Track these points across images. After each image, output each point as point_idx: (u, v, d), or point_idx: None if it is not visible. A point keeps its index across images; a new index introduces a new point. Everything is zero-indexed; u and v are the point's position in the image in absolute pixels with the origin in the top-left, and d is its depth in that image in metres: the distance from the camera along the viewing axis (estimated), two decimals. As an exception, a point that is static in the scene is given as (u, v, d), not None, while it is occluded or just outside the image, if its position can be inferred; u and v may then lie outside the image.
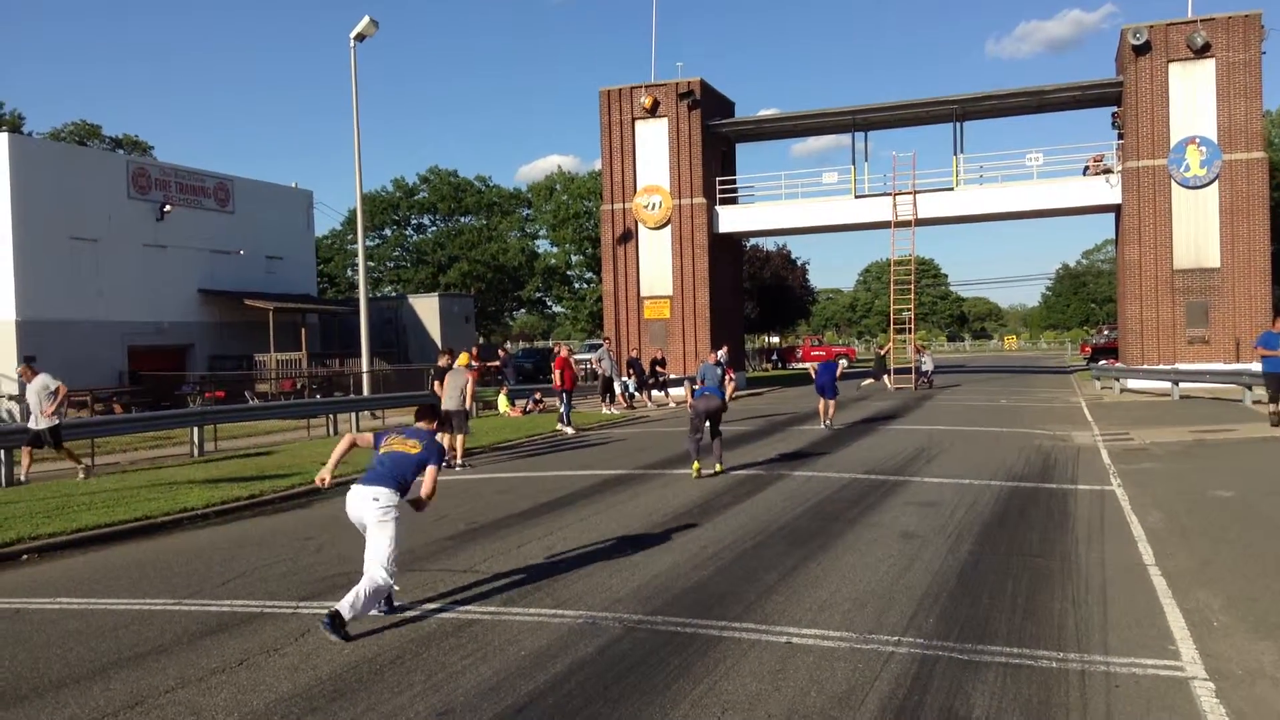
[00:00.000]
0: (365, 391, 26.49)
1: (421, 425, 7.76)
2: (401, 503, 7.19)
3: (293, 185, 42.31)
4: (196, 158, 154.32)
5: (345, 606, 6.70)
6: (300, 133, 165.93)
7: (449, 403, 15.98)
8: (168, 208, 34.17)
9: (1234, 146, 29.98)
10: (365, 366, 27.12)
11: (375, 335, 32.90)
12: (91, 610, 7.87)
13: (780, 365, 63.00)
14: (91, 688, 5.98)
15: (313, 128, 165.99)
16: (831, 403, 21.09)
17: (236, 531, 11.29)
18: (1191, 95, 30.45)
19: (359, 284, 27.73)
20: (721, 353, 30.67)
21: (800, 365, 62.13)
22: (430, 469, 7.32)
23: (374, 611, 7.11)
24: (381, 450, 7.39)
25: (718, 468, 14.20)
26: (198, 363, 34.56)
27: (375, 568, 6.91)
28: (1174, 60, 30.51)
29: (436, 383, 17.02)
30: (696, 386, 14.93)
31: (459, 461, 16.08)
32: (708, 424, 14.24)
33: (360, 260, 28.02)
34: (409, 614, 7.33)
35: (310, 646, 6.64)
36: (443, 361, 17.51)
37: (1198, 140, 30.22)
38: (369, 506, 7.07)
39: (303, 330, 36.30)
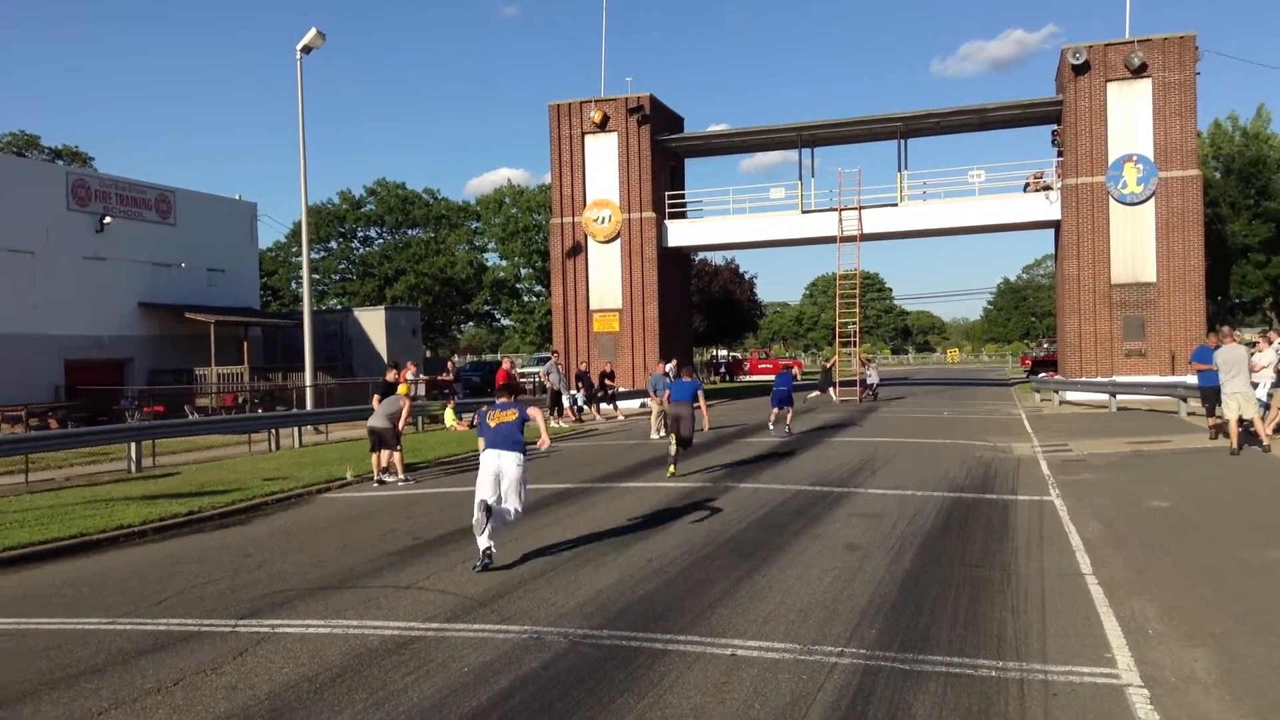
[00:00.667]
0: (309, 406, 26.15)
1: (504, 398, 9.86)
2: (524, 457, 9.40)
3: (236, 197, 41.76)
4: (138, 169, 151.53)
5: (488, 541, 9.08)
6: (245, 144, 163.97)
7: (376, 420, 15.84)
8: (107, 219, 33.51)
9: (1170, 164, 30.79)
10: (309, 380, 26.77)
11: (320, 349, 32.51)
12: (23, 630, 7.67)
13: (728, 378, 63.31)
14: (21, 710, 5.82)
15: (258, 139, 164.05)
16: (789, 410, 22.53)
17: (174, 549, 11.06)
18: (1129, 114, 31.25)
19: (303, 296, 27.40)
20: (670, 365, 30.86)
21: (748, 378, 62.53)
22: (533, 415, 9.67)
23: (474, 566, 9.08)
24: (492, 425, 9.45)
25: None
26: (137, 377, 33.86)
27: (514, 501, 9.28)
28: (1112, 80, 31.29)
29: (376, 396, 16.78)
30: (667, 394, 16.59)
31: (400, 476, 15.92)
32: (679, 427, 15.36)
33: (305, 272, 27.69)
34: (351, 630, 7.24)
35: (249, 666, 6.53)
36: (390, 376, 17.31)
37: (1135, 158, 30.99)
38: (506, 463, 9.25)
39: (245, 344, 35.74)
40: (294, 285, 64.33)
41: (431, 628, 7.28)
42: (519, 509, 9.37)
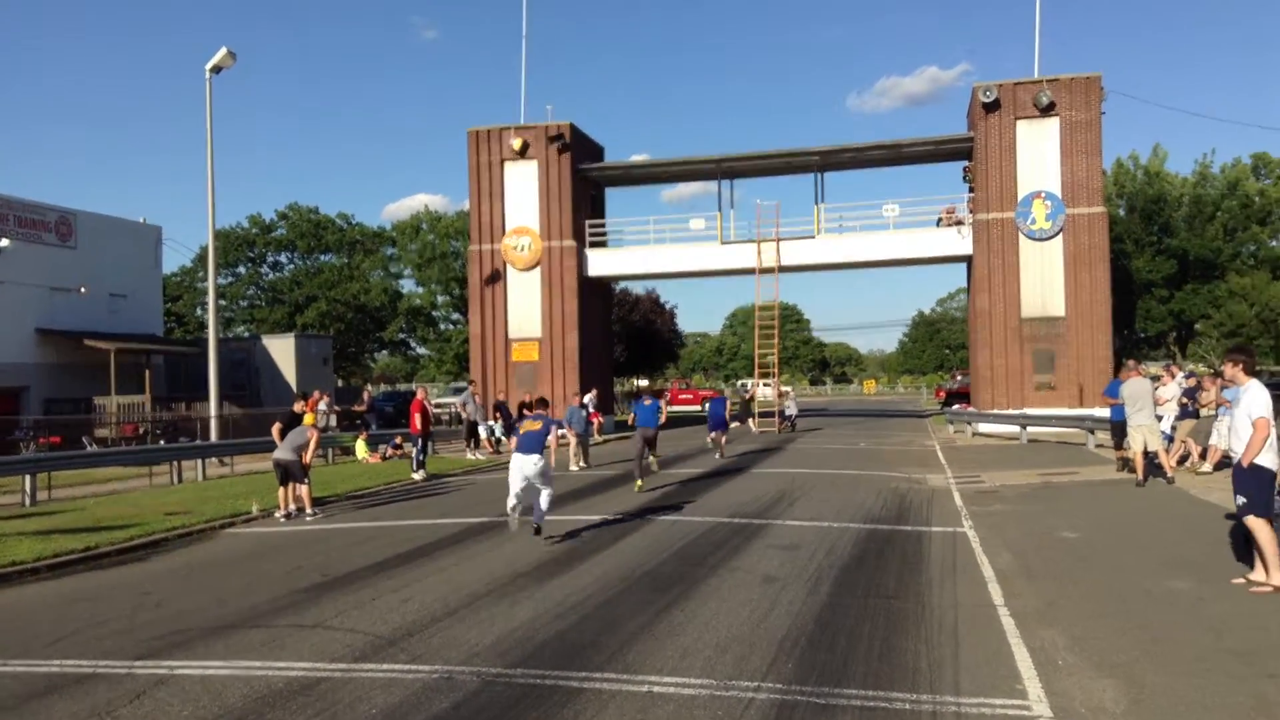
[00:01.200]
0: (213, 437, 25.35)
1: (537, 411, 12.72)
2: (545, 456, 12.13)
3: (140, 220, 40.56)
4: (37, 190, 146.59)
5: (541, 520, 12.13)
6: (153, 167, 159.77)
7: (282, 453, 15.37)
8: (4, 242, 32.16)
9: (1076, 201, 31.80)
10: (213, 410, 25.97)
11: (226, 377, 31.58)
12: (-109, 679, 7.18)
13: (649, 408, 63.23)
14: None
15: (167, 162, 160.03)
16: (724, 434, 24.63)
17: (70, 587, 10.54)
18: (1038, 151, 32.22)
19: (209, 323, 26.61)
20: (590, 396, 30.74)
21: (669, 409, 62.52)
22: (551, 430, 12.64)
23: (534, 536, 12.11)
24: (521, 432, 12.15)
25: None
26: (33, 406, 32.43)
27: (546, 495, 12.10)
28: (1021, 118, 32.27)
29: (277, 426, 16.21)
30: (632, 419, 19.14)
31: (309, 511, 15.47)
32: (647, 448, 18.16)
33: (210, 298, 26.93)
34: (254, 671, 6.93)
35: (146, 709, 6.21)
36: (298, 407, 16.82)
37: (1043, 194, 31.95)
38: (526, 463, 11.86)
39: (147, 372, 34.56)
40: (199, 312, 62.64)
41: (338, 668, 7.01)
42: (549, 491, 12.19)
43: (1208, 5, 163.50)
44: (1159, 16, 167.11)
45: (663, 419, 18.44)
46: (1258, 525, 8.48)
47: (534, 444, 11.96)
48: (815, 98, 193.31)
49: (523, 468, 11.88)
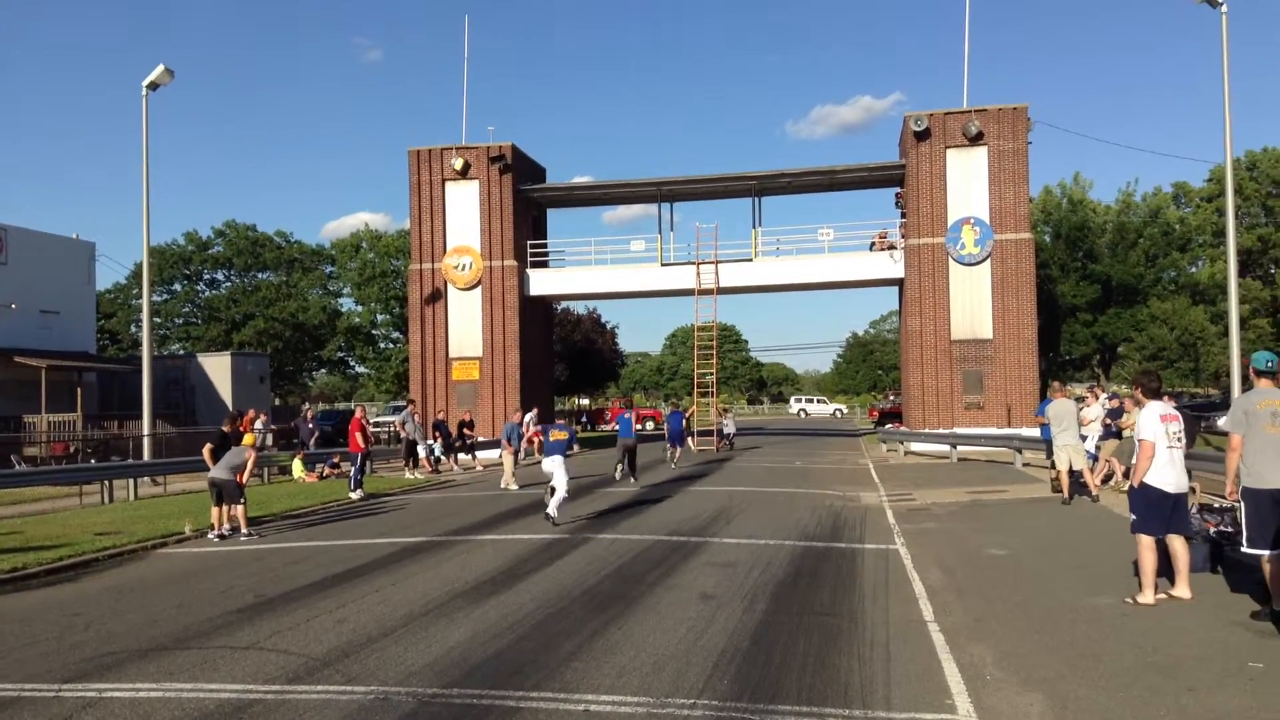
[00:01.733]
0: (146, 456, 24.83)
1: (560, 422, 16.07)
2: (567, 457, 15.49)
3: (73, 236, 39.72)
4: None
5: (554, 512, 14.99)
6: (87, 183, 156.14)
7: (219, 472, 15.14)
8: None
9: (1004, 227, 32.64)
10: (147, 429, 25.45)
11: (160, 396, 31.01)
12: None
13: (590, 427, 63.30)
14: None
15: (101, 178, 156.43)
16: (679, 449, 27.32)
17: (-10, 610, 10.28)
18: (967, 179, 33.04)
19: (143, 341, 26.10)
20: (531, 415, 30.87)
21: (610, 427, 62.62)
22: (574, 441, 16.78)
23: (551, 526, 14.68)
24: (550, 440, 15.72)
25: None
26: (-44, 425, 31.50)
27: (562, 488, 15.26)
28: (951, 146, 33.07)
29: (208, 447, 15.95)
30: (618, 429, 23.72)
31: (244, 531, 15.26)
32: (627, 458, 22.60)
33: (145, 315, 26.43)
34: (185, 694, 6.86)
35: (68, 737, 6.10)
36: (227, 427, 16.55)
37: (972, 221, 32.74)
38: (554, 465, 15.35)
39: (79, 390, 33.79)
40: (134, 329, 61.29)
41: (272, 690, 6.96)
42: (565, 489, 15.40)
43: (1132, 37, 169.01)
44: (1087, 47, 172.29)
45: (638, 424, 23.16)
46: (1141, 543, 8.92)
47: (559, 449, 15.52)
48: (755, 123, 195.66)
49: (550, 468, 15.51)
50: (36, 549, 13.52)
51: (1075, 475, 16.81)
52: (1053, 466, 18.65)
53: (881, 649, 7.78)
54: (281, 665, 7.62)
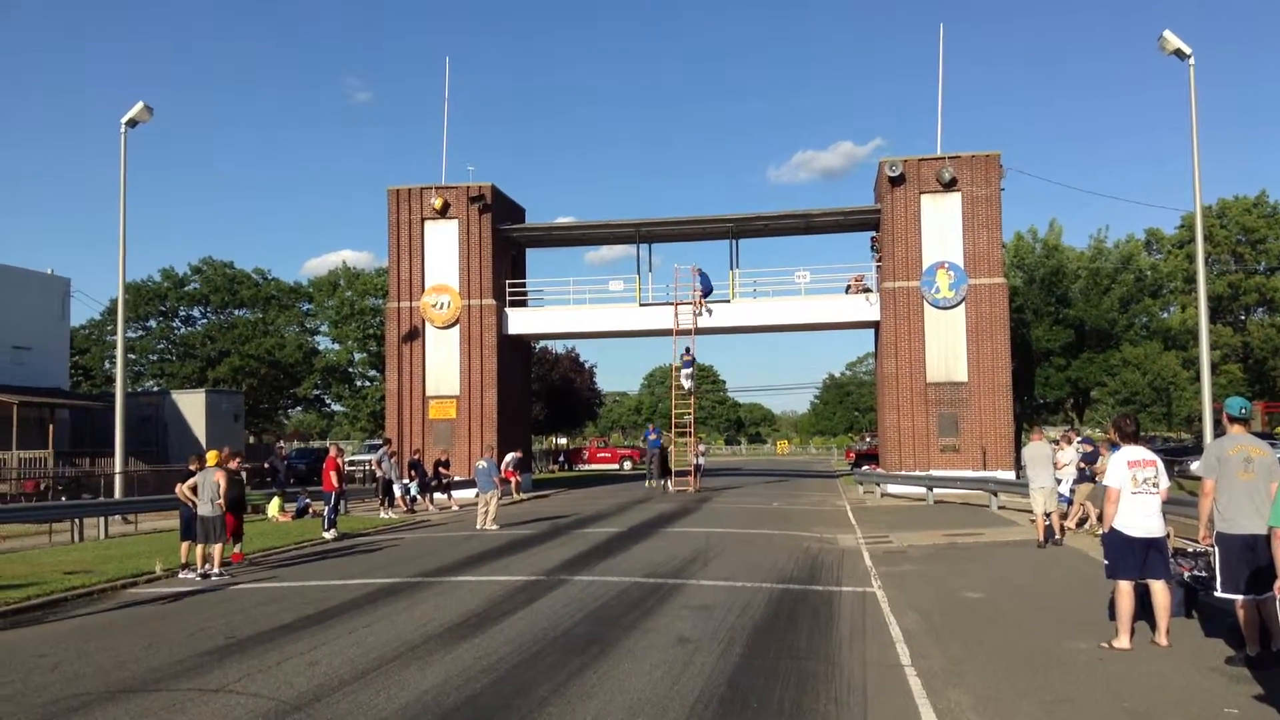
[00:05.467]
0: (117, 494, 24.49)
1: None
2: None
3: (48, 272, 39.47)
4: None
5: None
6: (64, 219, 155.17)
7: (205, 509, 14.98)
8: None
9: (978, 272, 32.99)
10: (119, 467, 25.13)
11: (133, 433, 30.69)
12: None
13: (568, 467, 63.07)
14: None
15: (78, 214, 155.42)
16: (669, 480, 30.36)
17: (-47, 652, 10.07)
18: (941, 224, 33.43)
19: (116, 377, 25.87)
20: (512, 456, 31.71)
21: (587, 467, 62.45)
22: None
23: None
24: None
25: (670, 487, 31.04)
26: (-76, 461, 31.07)
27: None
28: (925, 192, 33.49)
29: (181, 485, 15.71)
30: (642, 445, 30.32)
31: (216, 570, 15.07)
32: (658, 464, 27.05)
33: (119, 352, 26.17)
34: (151, 741, 6.73)
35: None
36: (193, 465, 16.31)
37: (946, 265, 33.07)
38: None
39: (51, 426, 33.41)
40: (108, 365, 60.75)
41: (241, 735, 6.85)
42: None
43: (1105, 85, 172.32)
44: (1060, 94, 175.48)
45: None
46: (1117, 588, 8.97)
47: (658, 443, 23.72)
48: (736, 167, 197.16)
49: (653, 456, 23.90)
50: (3, 588, 13.28)
51: (1049, 518, 16.91)
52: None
53: (859, 693, 7.76)
54: (250, 709, 7.50)
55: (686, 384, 35.72)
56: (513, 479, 32.95)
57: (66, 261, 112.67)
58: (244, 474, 18.48)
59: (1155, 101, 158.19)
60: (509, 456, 32.34)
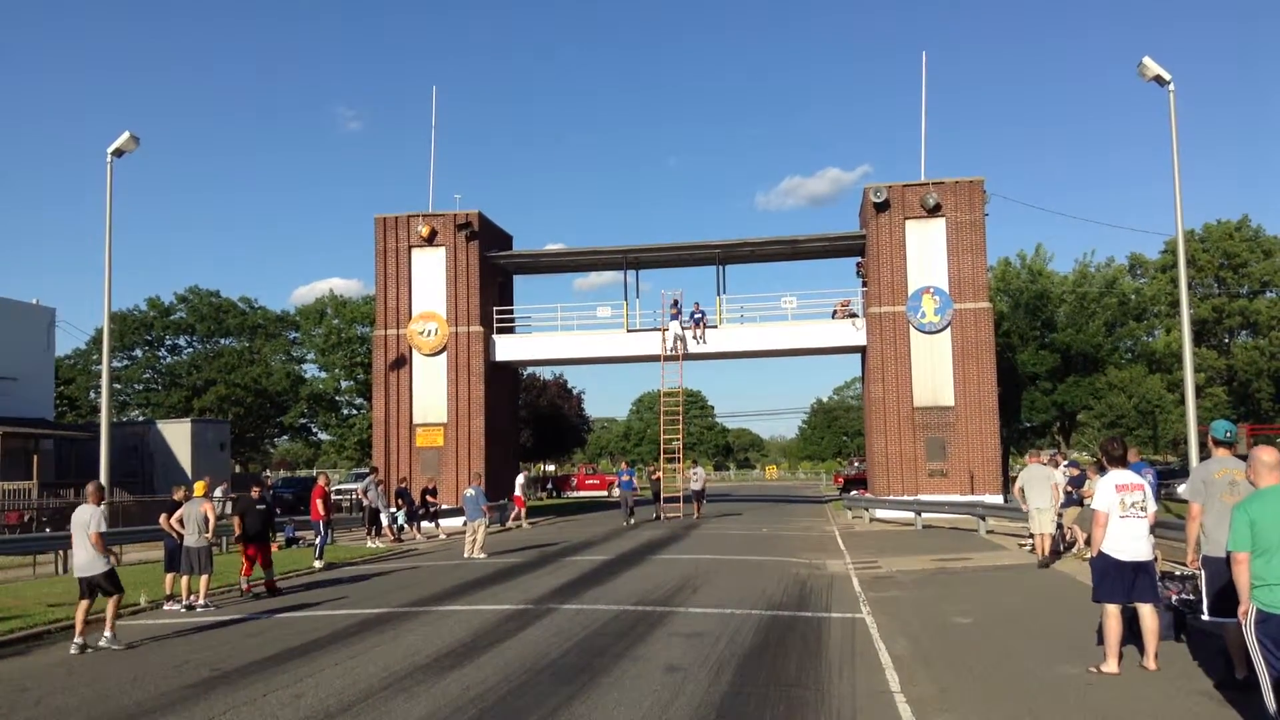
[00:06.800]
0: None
1: (626, 477, 30.25)
2: None
3: (33, 301, 39.35)
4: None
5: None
6: (49, 248, 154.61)
7: (191, 540, 14.90)
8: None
9: (963, 297, 33.17)
10: (104, 497, 24.94)
11: (119, 463, 30.51)
12: None
13: (556, 494, 62.89)
14: None
15: (64, 244, 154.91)
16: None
17: (-67, 687, 9.96)
18: (926, 249, 33.63)
19: (102, 407, 25.73)
20: (522, 478, 32.50)
21: (575, 494, 62.29)
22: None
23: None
24: (624, 479, 30.69)
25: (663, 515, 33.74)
26: (-92, 493, 30.79)
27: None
28: (910, 218, 33.71)
29: (165, 516, 15.62)
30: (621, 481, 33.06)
31: (200, 602, 14.95)
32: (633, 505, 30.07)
33: (105, 382, 26.03)
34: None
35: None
36: (177, 495, 16.24)
37: (932, 290, 33.25)
38: (629, 494, 32.08)
39: (35, 457, 33.21)
40: (93, 395, 60.43)
41: (227, 769, 6.78)
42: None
43: (1089, 110, 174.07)
44: (1044, 119, 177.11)
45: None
46: (1105, 611, 8.96)
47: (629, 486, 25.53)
48: (726, 193, 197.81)
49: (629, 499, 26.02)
50: (-15, 622, 13.16)
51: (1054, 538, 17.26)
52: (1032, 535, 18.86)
53: (848, 721, 7.73)
54: (237, 743, 7.43)
55: (693, 344, 35.53)
56: (521, 506, 32.97)
57: (51, 290, 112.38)
58: (229, 504, 18.39)
59: (1140, 124, 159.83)
60: (520, 479, 32.94)
